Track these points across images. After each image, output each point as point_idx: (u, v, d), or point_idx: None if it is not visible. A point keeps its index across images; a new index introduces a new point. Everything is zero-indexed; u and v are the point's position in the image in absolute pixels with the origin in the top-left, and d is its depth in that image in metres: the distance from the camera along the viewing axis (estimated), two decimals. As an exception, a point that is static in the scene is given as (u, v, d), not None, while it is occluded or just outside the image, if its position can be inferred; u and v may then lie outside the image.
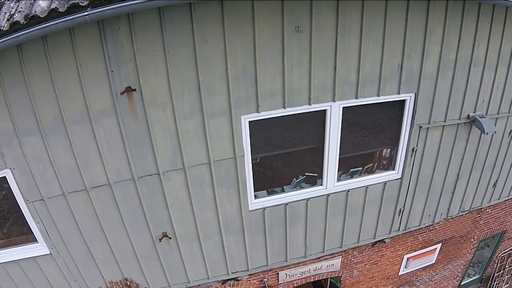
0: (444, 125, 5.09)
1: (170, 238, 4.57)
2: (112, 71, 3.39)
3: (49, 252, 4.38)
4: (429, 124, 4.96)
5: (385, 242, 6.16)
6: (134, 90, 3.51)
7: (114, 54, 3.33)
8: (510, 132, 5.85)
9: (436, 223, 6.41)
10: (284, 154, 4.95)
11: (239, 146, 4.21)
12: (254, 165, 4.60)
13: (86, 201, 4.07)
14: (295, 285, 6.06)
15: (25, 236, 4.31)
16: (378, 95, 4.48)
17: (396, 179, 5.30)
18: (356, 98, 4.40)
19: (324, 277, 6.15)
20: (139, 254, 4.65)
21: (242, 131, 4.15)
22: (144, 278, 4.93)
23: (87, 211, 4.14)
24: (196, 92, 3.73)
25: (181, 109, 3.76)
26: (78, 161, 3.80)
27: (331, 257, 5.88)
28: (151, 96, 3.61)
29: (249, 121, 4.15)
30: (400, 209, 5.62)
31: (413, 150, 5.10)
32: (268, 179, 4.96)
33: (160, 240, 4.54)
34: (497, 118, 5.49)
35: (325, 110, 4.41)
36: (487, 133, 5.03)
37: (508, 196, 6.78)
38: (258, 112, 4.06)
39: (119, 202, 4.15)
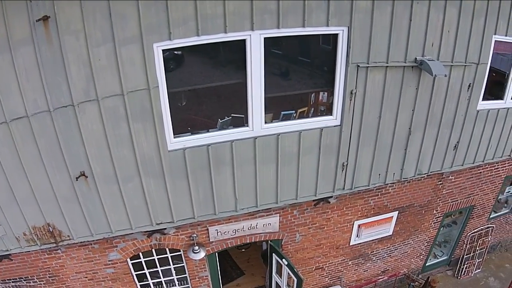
0: (387, 67, 4.96)
1: (86, 177, 4.60)
2: (31, 1, 3.54)
3: (-26, 190, 4.47)
4: (368, 63, 4.83)
5: (329, 203, 6.04)
6: (49, 17, 3.65)
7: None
8: (469, 86, 5.71)
9: (390, 186, 6.29)
10: (208, 95, 4.90)
11: (152, 76, 4.22)
12: (178, 108, 4.61)
13: (6, 134, 4.19)
14: (229, 245, 5.95)
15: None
16: (304, 26, 4.37)
17: (334, 126, 5.16)
18: (278, 28, 4.30)
19: (262, 239, 6.02)
20: (58, 195, 4.71)
21: (155, 60, 4.16)
22: (66, 224, 4.96)
23: (8, 146, 4.27)
24: (107, 18, 3.80)
25: (94, 36, 3.87)
26: (-1, 92, 3.92)
27: (267, 215, 5.76)
28: (65, 24, 3.75)
29: (162, 50, 4.14)
30: (343, 163, 5.48)
31: (352, 93, 4.96)
32: (192, 122, 4.90)
33: (77, 178, 4.57)
34: (451, 66, 5.37)
35: (244, 40, 4.32)
36: (435, 75, 4.90)
37: (473, 163, 6.64)
38: (170, 39, 4.07)
39: (37, 136, 4.25)
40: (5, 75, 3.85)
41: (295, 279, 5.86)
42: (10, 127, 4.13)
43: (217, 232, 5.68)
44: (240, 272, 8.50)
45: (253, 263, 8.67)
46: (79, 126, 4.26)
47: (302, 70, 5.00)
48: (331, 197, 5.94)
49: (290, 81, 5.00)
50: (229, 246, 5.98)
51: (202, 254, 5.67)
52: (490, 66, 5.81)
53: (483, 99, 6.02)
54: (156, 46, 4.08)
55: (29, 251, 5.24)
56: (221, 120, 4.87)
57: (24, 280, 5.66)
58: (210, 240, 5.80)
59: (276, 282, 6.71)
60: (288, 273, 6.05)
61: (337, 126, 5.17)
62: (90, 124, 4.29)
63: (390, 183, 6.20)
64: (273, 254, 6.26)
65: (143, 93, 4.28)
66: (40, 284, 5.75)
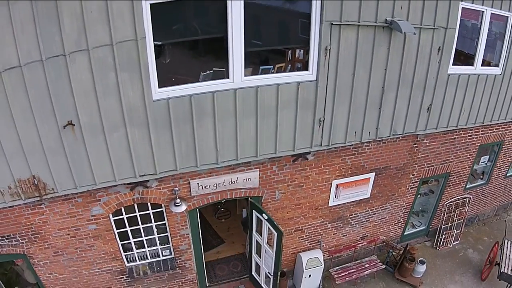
0: (359, 25, 5.54)
1: (73, 125, 4.97)
2: None
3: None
4: (341, 21, 5.39)
5: (307, 159, 6.57)
6: None
7: None
8: (439, 49, 6.33)
9: (366, 146, 6.88)
10: (191, 47, 5.39)
11: (140, 28, 4.64)
12: (163, 63, 5.02)
13: (-1, 84, 4.52)
14: (210, 201, 6.43)
15: None
16: None
17: (310, 81, 5.72)
18: None
19: (243, 195, 6.53)
20: (45, 147, 5.02)
21: (143, 14, 4.60)
22: (51, 176, 5.28)
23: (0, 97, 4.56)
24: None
25: (87, -12, 4.24)
26: (-5, 43, 4.26)
27: (247, 169, 6.26)
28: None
29: (150, 4, 4.58)
30: (320, 119, 6.04)
31: (326, 49, 5.53)
32: (176, 75, 5.36)
33: (64, 127, 4.93)
34: (420, 28, 5.98)
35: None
36: (404, 32, 5.49)
37: (447, 128, 7.26)
38: None
39: (28, 86, 4.57)
40: (1, 28, 4.14)
41: (275, 233, 6.36)
42: (2, 78, 4.40)
43: (199, 186, 6.14)
44: (220, 240, 9.03)
45: (233, 232, 9.25)
46: (69, 76, 4.62)
47: (280, 26, 5.57)
48: (309, 153, 6.46)
49: (268, 36, 5.55)
50: (210, 202, 6.45)
51: (183, 207, 6.11)
52: (459, 32, 6.47)
53: (453, 64, 6.64)
54: (144, 1, 4.50)
55: (12, 206, 5.50)
56: (203, 73, 5.37)
57: (6, 239, 5.87)
58: (192, 195, 6.25)
59: (257, 241, 7.19)
60: (268, 229, 6.54)
61: (313, 81, 5.73)
62: (79, 74, 4.67)
63: (366, 142, 6.79)
64: (253, 211, 6.76)
65: (130, 43, 4.69)
66: (22, 242, 6.00)
